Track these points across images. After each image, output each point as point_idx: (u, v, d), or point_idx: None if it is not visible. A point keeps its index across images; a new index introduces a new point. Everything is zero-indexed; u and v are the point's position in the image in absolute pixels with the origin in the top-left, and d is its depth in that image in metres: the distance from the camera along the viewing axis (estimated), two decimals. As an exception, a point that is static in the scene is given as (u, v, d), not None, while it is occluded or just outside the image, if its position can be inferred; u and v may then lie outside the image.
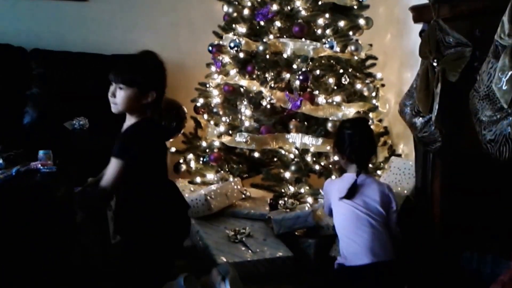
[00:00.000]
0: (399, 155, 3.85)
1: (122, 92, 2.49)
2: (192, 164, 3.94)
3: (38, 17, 4.44)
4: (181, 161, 3.99)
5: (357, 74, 3.84)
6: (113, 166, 2.44)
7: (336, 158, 3.07)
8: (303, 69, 3.58)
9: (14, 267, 2.33)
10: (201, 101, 4.04)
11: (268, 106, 3.67)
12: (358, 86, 3.79)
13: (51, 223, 2.41)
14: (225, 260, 2.90)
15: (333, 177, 3.41)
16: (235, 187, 3.63)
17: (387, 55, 4.25)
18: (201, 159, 3.88)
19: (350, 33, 3.81)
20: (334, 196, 2.74)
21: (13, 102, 4.07)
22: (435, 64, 2.56)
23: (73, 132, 3.72)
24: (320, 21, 3.71)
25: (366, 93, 3.78)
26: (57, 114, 3.86)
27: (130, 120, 2.55)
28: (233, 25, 3.90)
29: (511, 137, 2.11)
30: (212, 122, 3.91)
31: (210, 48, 3.92)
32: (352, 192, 2.66)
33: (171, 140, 3.89)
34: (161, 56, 4.36)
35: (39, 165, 2.68)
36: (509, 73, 2.07)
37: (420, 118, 2.71)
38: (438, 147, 2.68)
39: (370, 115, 3.84)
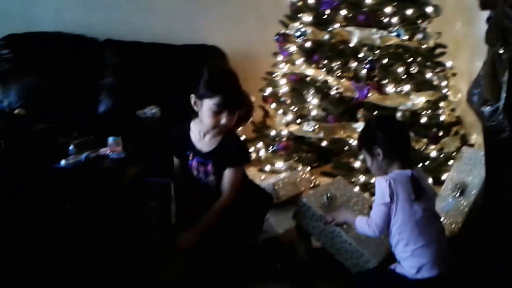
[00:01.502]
0: (472, 145, 3.79)
1: (234, 115, 2.64)
2: (262, 153, 3.99)
3: (110, 8, 4.57)
4: (252, 149, 4.03)
5: (427, 63, 3.80)
6: (236, 174, 2.71)
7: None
8: (370, 58, 3.58)
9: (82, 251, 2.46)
10: (268, 90, 4.08)
11: (336, 95, 3.66)
12: (428, 75, 3.75)
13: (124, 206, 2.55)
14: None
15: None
16: (304, 176, 3.66)
17: (457, 44, 4.19)
18: (270, 147, 3.93)
19: (419, 21, 3.77)
20: (402, 197, 2.42)
21: (88, 91, 4.22)
22: (501, 51, 2.52)
23: (145, 120, 3.84)
24: (387, 9, 3.68)
25: (436, 82, 3.74)
26: (131, 102, 4.03)
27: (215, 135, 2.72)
28: (299, 14, 3.92)
29: None
30: (280, 111, 3.95)
31: (277, 37, 3.96)
32: (419, 190, 2.42)
33: (240, 128, 3.96)
34: (230, 46, 4.51)
35: (108, 151, 2.80)
36: None
37: (488, 107, 2.64)
38: (507, 136, 2.64)
39: (441, 104, 3.81)
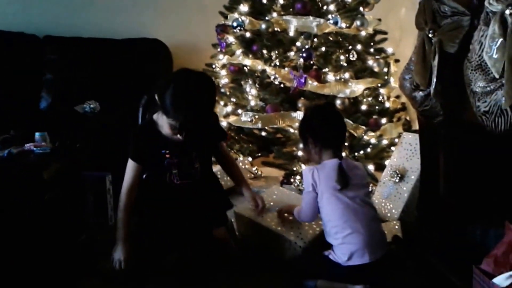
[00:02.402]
0: (416, 131, 3.74)
1: None
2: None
3: (49, 4, 4.47)
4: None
5: (367, 50, 3.73)
6: None
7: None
8: (306, 47, 3.48)
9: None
10: (210, 81, 3.96)
11: (278, 85, 3.58)
12: (370, 62, 3.68)
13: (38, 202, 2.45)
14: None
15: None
16: (243, 166, 3.56)
17: (402, 30, 4.12)
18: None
19: (361, 8, 3.69)
20: (325, 186, 2.44)
21: (29, 88, 4.14)
22: (431, 35, 2.44)
23: (84, 115, 3.74)
24: (326, -3, 3.60)
25: (376, 69, 3.67)
26: (71, 98, 3.92)
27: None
28: (237, 5, 3.81)
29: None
30: (221, 103, 3.84)
31: (216, 28, 3.85)
32: (345, 180, 2.42)
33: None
34: (172, 39, 4.40)
35: (33, 146, 2.73)
36: (499, 41, 1.95)
37: (420, 92, 2.58)
38: (440, 120, 2.57)
39: (382, 91, 3.75)
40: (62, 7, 4.47)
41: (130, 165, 2.52)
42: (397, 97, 3.95)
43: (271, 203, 2.93)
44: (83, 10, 4.50)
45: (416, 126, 3.80)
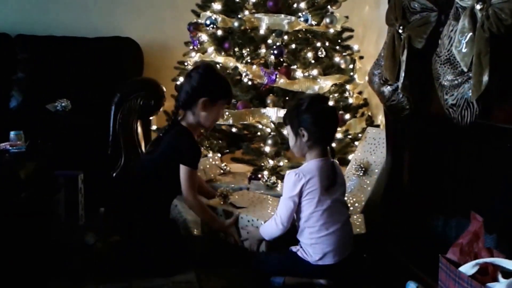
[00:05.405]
0: (378, 126, 3.71)
1: None
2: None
3: (21, 3, 4.32)
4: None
5: (334, 47, 3.70)
6: None
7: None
8: (278, 44, 3.43)
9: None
10: (181, 79, 3.84)
11: (248, 82, 3.51)
12: (337, 59, 3.64)
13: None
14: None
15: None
16: (213, 162, 3.49)
17: (366, 27, 4.12)
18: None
19: (328, 6, 3.66)
20: (310, 190, 2.29)
21: (-1, 87, 3.99)
22: (400, 31, 2.40)
23: (56, 113, 3.61)
24: (296, -5, 3.57)
25: (343, 66, 3.63)
26: (42, 97, 3.77)
27: None
28: (210, 3, 3.72)
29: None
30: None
31: (188, 27, 3.75)
32: (332, 181, 2.31)
33: (151, 118, 3.75)
34: (145, 37, 4.28)
35: (8, 146, 2.61)
36: (469, 35, 1.91)
37: (388, 87, 2.56)
38: (406, 115, 2.53)
39: (347, 87, 3.71)
40: (35, 5, 4.34)
41: (193, 173, 2.60)
42: (360, 93, 3.94)
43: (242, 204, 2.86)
44: (56, 9, 4.36)
45: (377, 121, 3.79)
